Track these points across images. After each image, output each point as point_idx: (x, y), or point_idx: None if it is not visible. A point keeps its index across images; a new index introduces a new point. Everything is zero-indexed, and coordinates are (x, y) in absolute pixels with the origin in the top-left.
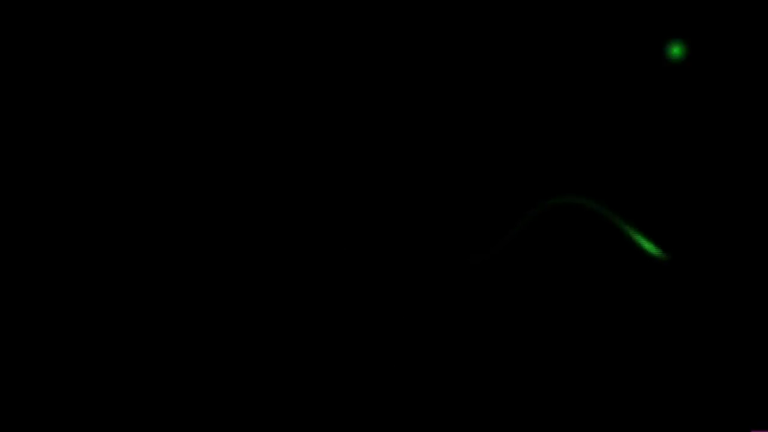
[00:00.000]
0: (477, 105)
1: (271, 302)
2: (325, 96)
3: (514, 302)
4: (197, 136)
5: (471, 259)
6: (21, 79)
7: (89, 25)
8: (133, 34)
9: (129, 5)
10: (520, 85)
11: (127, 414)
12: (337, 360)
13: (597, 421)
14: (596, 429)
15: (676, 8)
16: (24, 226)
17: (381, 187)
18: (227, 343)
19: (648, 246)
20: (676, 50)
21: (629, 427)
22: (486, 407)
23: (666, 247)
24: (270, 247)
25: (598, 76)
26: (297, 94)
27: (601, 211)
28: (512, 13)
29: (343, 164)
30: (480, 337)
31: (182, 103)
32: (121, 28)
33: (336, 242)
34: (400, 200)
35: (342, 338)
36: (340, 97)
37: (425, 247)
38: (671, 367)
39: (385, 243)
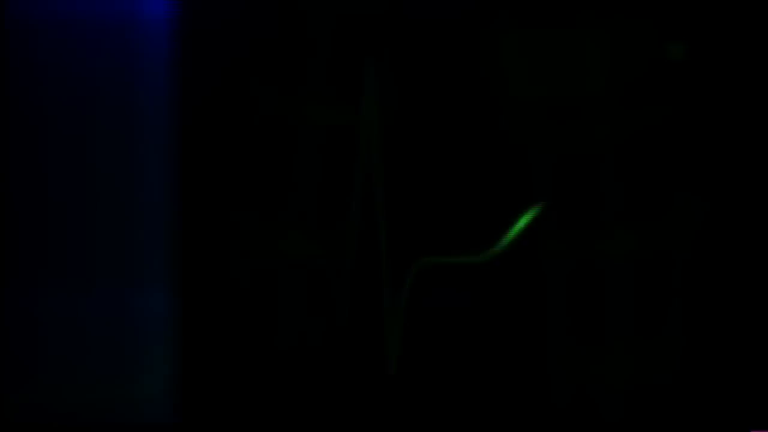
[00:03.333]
0: (474, 103)
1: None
2: None
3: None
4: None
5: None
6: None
7: None
8: None
9: None
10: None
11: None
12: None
13: (596, 421)
14: (596, 429)
15: (676, 8)
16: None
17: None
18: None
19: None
20: (675, 50)
21: (629, 426)
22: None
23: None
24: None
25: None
26: None
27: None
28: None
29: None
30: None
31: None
32: None
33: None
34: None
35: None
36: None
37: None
38: (671, 367)
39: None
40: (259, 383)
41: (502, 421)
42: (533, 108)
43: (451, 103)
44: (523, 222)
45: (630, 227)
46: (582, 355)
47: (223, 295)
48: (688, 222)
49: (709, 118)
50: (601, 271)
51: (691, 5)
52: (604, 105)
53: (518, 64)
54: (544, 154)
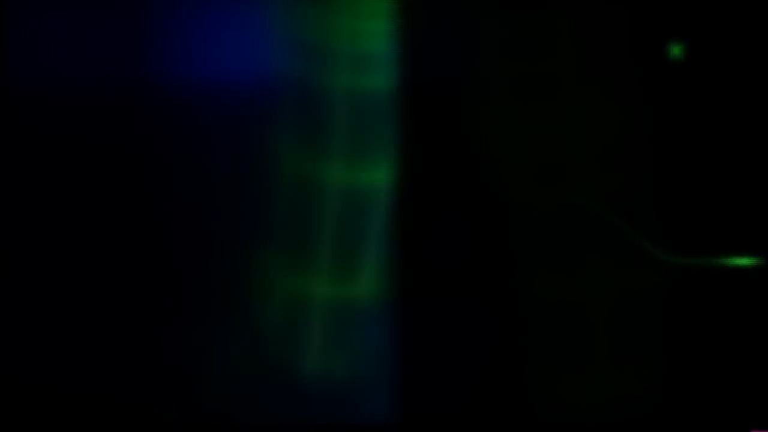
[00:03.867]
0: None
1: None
2: None
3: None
4: None
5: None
6: None
7: None
8: None
9: None
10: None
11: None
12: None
13: (595, 420)
14: (595, 429)
15: (676, 8)
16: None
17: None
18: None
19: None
20: (676, 50)
21: (628, 426)
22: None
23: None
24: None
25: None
26: None
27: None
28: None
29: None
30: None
31: None
32: None
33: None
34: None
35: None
36: None
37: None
38: (671, 366)
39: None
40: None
41: None
42: (524, 167)
43: (456, 162)
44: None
45: (608, 271)
46: (564, 381)
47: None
48: (658, 266)
49: (672, 176)
50: (582, 308)
51: (659, 83)
52: (583, 167)
53: (511, 131)
54: (533, 207)
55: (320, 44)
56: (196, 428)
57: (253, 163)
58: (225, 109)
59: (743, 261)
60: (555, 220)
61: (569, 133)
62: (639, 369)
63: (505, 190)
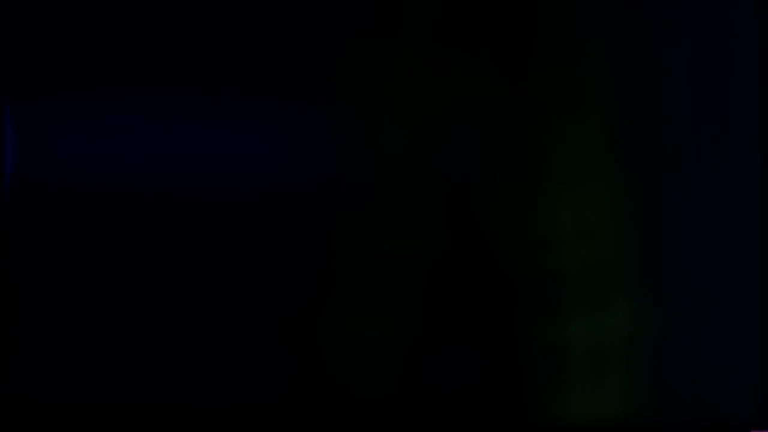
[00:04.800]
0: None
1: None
2: None
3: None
4: None
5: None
6: None
7: None
8: None
9: None
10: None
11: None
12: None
13: (595, 420)
14: (594, 429)
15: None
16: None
17: None
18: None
19: None
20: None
21: (628, 425)
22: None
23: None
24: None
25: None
26: None
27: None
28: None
29: None
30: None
31: None
32: None
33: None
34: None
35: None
36: None
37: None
38: (671, 366)
39: None
40: None
41: None
42: (524, 240)
43: (474, 239)
44: None
45: (587, 319)
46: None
47: None
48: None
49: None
50: (569, 349)
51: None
52: (569, 238)
53: (514, 214)
54: (528, 271)
55: (376, 142)
56: None
57: (319, 240)
58: (296, 200)
59: None
60: (547, 282)
61: (561, 215)
62: (619, 388)
63: (510, 260)
